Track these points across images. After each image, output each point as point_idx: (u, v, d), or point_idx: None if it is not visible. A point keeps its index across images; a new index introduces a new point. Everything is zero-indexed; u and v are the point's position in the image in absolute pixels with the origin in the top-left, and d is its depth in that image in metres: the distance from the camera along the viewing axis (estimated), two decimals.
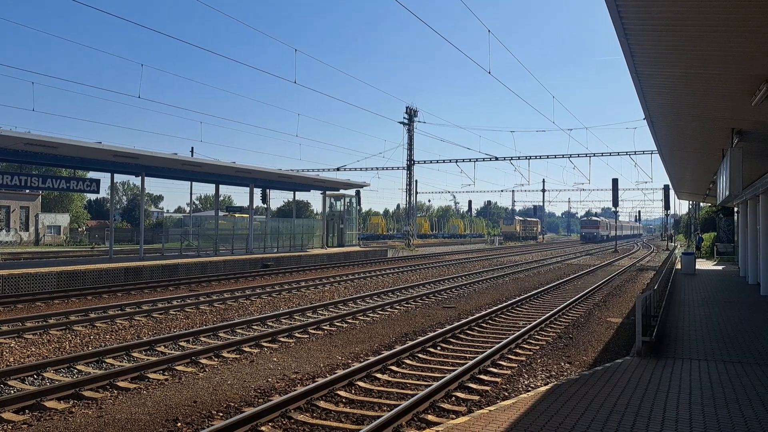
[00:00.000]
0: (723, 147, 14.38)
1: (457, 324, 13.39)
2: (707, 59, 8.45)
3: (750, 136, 13.12)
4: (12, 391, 8.35)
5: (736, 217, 34.02)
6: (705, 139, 15.25)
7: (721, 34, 7.31)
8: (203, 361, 10.28)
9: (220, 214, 40.50)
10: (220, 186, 36.25)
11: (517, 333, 12.36)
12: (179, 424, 7.21)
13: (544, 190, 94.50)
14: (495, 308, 15.97)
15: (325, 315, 15.35)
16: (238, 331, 13.16)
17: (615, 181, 51.43)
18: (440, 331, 12.54)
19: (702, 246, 48.45)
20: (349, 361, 10.48)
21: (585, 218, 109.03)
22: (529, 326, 13.21)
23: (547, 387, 8.09)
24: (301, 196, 70.60)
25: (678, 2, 6.40)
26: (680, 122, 13.57)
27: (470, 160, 54.84)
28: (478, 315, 14.79)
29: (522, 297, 18.61)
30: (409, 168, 55.68)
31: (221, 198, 48.50)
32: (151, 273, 23.91)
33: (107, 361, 10.21)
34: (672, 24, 7.09)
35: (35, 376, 9.12)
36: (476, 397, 8.32)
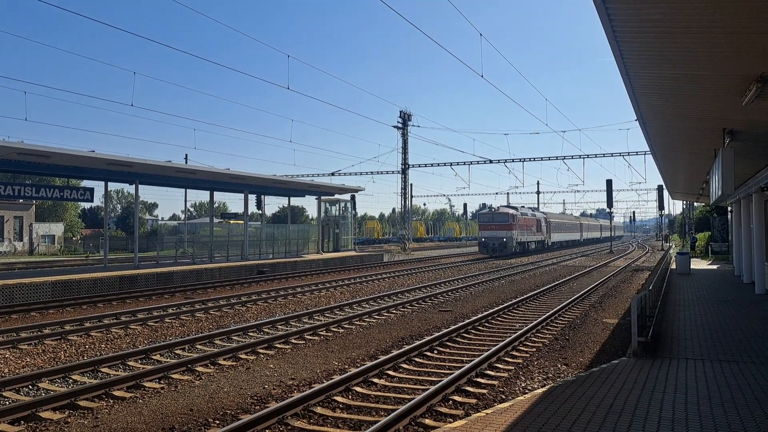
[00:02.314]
0: (715, 147, 14.45)
1: (453, 327, 13.38)
2: (697, 60, 8.50)
3: (741, 136, 13.19)
4: (7, 402, 8.30)
5: (729, 217, 34.17)
6: (697, 140, 15.32)
7: (710, 34, 7.36)
8: (199, 368, 10.24)
9: (215, 220, 40.41)
10: (215, 193, 36.20)
11: (514, 335, 12.37)
12: None
13: (538, 192, 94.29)
14: (491, 311, 15.98)
15: (321, 320, 15.33)
16: (234, 338, 13.12)
17: (609, 182, 51.47)
18: (437, 334, 12.53)
19: (696, 246, 48.64)
20: (346, 367, 10.46)
21: (485, 211, 53.42)
22: (525, 328, 13.22)
23: (544, 389, 8.09)
24: (296, 201, 70.48)
25: (667, 4, 6.44)
26: (672, 123, 13.63)
27: (465, 163, 54.93)
28: (474, 318, 14.79)
29: (518, 299, 18.62)
30: (404, 172, 55.69)
31: (216, 205, 48.39)
32: (146, 281, 23.83)
33: (102, 370, 10.16)
34: (661, 26, 7.14)
35: (30, 387, 9.07)
36: (473, 401, 8.32)
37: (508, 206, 54.00)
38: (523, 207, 57.25)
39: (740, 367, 9.10)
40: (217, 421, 7.55)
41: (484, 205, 56.49)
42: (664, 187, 44.44)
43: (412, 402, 7.62)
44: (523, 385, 9.17)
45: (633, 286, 24.25)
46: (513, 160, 52.36)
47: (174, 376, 9.74)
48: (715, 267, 32.41)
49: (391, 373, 9.88)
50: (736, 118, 11.87)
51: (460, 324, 13.85)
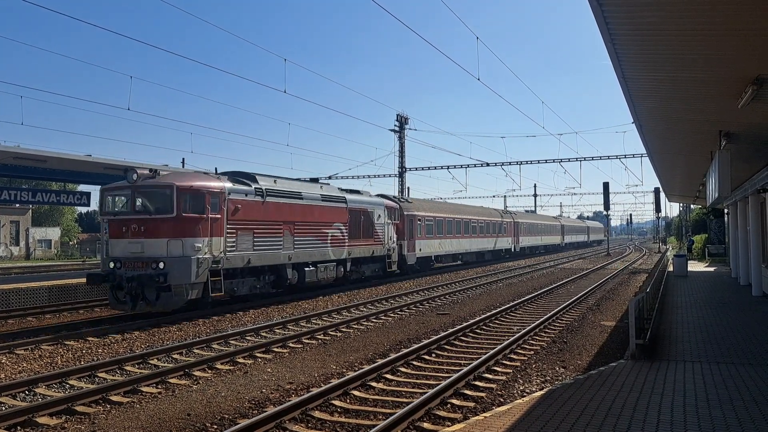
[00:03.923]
0: (711, 149, 14.50)
1: (451, 330, 13.38)
2: (693, 62, 8.54)
3: (738, 138, 13.24)
4: (3, 408, 8.26)
5: (726, 219, 34.26)
6: (693, 142, 15.38)
7: (706, 37, 7.39)
8: (197, 373, 10.21)
9: None
10: None
11: (512, 338, 12.37)
12: None
13: (535, 195, 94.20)
14: (489, 314, 15.98)
15: (319, 324, 15.30)
16: (231, 342, 13.08)
17: (606, 185, 51.67)
18: (435, 338, 12.52)
19: (693, 248, 48.72)
20: (344, 370, 10.44)
21: (117, 184, 16.67)
22: (523, 331, 13.21)
23: (542, 392, 8.09)
24: None
25: (663, 7, 6.47)
26: (668, 125, 13.68)
27: (461, 167, 54.86)
28: (472, 321, 14.79)
29: (516, 302, 18.63)
30: (401, 175, 55.73)
31: None
32: None
33: (100, 375, 10.13)
34: (657, 28, 7.17)
35: (27, 392, 9.03)
36: (471, 404, 8.31)
37: (210, 173, 19.64)
38: (298, 181, 22.86)
39: (738, 369, 9.11)
40: (215, 426, 7.52)
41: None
42: (660, 189, 44.57)
43: (411, 405, 7.61)
44: (521, 388, 9.16)
45: (630, 288, 24.28)
46: (510, 163, 52.36)
47: (171, 380, 9.71)
48: (712, 269, 32.46)
49: (389, 376, 9.87)
50: (733, 120, 11.92)
51: (458, 327, 13.84)
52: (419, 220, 31.78)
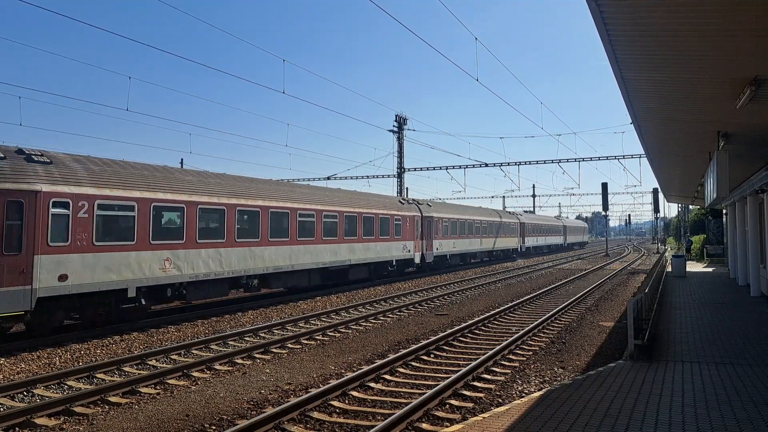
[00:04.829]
0: (710, 150, 14.51)
1: (450, 331, 13.38)
2: (691, 63, 8.54)
3: (736, 139, 13.26)
4: (2, 408, 8.26)
5: (724, 219, 34.29)
6: (692, 142, 15.38)
7: (704, 38, 7.40)
8: (195, 374, 10.20)
9: None
10: None
11: (510, 339, 12.37)
12: None
13: (534, 196, 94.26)
14: (488, 314, 15.97)
15: (317, 325, 15.30)
16: (230, 343, 13.08)
17: (604, 186, 51.76)
18: (433, 338, 12.52)
19: (692, 248, 48.76)
20: (343, 371, 10.44)
21: None
22: (522, 332, 13.22)
23: (540, 393, 8.09)
24: None
25: (661, 8, 6.48)
26: (667, 126, 13.68)
27: (460, 167, 54.90)
28: (471, 322, 14.79)
29: (515, 303, 18.62)
30: (400, 176, 55.72)
31: None
32: None
33: (98, 376, 10.12)
34: (655, 29, 7.17)
35: (25, 393, 9.02)
36: (470, 405, 8.31)
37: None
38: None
39: (736, 369, 9.12)
40: (214, 427, 7.52)
41: None
42: (659, 190, 44.61)
43: (410, 406, 7.61)
44: (519, 388, 9.17)
45: (629, 289, 24.29)
46: (508, 164, 52.40)
47: (170, 381, 9.71)
48: (710, 270, 32.49)
49: (388, 377, 9.87)
50: (731, 121, 11.93)
51: (457, 327, 13.84)
52: (82, 204, 13.49)
